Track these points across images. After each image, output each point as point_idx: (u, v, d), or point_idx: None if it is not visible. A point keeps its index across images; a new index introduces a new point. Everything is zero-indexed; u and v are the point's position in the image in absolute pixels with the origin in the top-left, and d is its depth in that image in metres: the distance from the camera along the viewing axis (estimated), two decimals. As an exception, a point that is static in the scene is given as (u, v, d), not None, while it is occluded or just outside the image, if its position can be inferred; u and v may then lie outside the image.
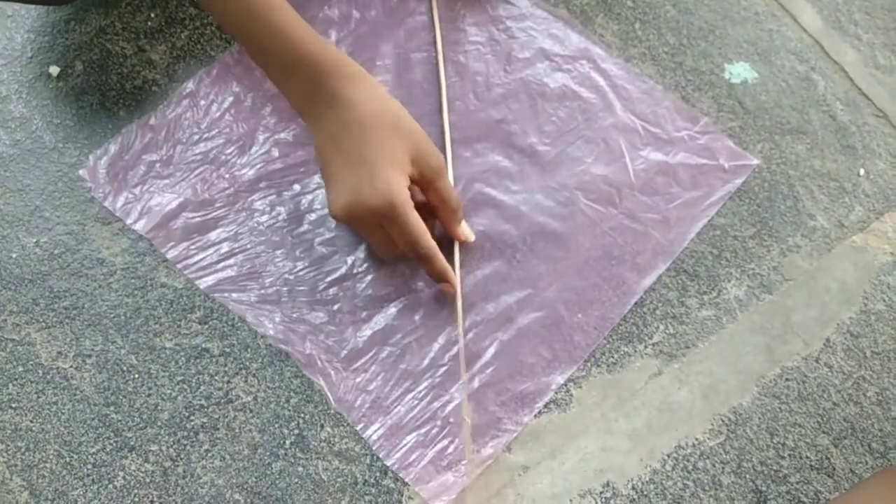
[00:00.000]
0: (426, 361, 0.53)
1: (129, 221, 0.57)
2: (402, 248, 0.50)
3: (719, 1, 0.66)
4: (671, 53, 0.64)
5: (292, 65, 0.48)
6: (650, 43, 0.64)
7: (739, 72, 0.64)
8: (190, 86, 0.61)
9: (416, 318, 0.55)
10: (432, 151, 0.50)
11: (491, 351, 0.54)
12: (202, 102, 0.61)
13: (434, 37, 0.64)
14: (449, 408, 0.52)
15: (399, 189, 0.48)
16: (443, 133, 0.60)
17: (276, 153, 0.59)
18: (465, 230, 0.55)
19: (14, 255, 0.56)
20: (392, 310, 0.55)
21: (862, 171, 0.61)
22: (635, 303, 0.55)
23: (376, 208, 0.47)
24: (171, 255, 0.56)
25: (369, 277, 0.56)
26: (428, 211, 0.53)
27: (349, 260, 0.56)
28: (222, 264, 0.56)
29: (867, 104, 0.63)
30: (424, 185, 0.51)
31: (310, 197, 0.58)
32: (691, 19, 0.65)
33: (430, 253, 0.50)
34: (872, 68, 0.64)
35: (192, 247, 0.56)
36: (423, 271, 0.54)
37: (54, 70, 0.62)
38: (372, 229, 0.50)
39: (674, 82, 0.63)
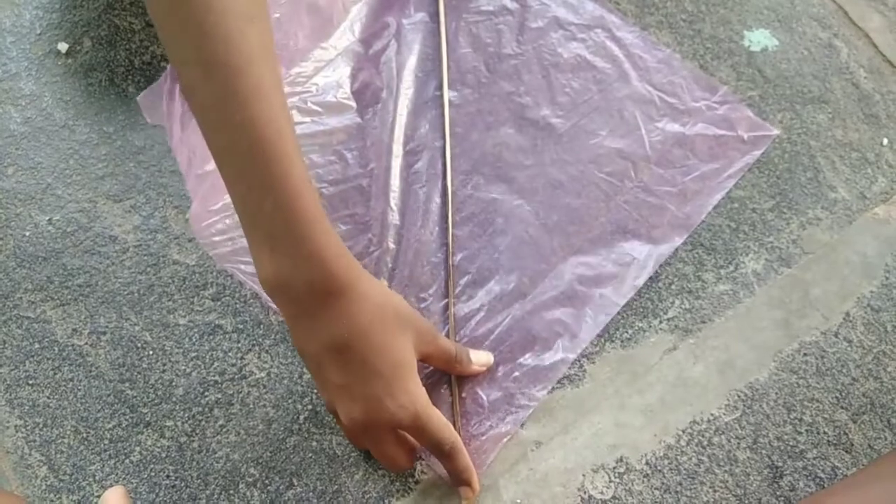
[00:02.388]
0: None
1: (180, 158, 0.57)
2: (426, 447, 0.46)
3: (739, -34, 0.64)
4: (689, 21, 0.62)
5: (279, 235, 0.39)
6: (667, 10, 0.63)
7: (759, 39, 0.62)
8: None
9: (424, 295, 0.54)
10: (427, 327, 0.47)
11: (504, 325, 0.53)
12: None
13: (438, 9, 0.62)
14: (462, 386, 0.52)
15: (419, 395, 0.44)
16: (448, 108, 0.59)
17: (297, 117, 0.58)
18: (482, 358, 0.51)
19: (27, 233, 0.56)
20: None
21: (885, 141, 0.59)
22: (650, 277, 0.54)
23: (399, 422, 0.43)
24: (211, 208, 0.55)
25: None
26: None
27: (364, 238, 0.56)
28: (239, 232, 0.55)
29: (892, 72, 0.61)
30: (424, 357, 0.47)
31: (321, 171, 0.57)
32: (710, -15, 0.63)
33: (455, 449, 0.45)
34: (898, 34, 0.62)
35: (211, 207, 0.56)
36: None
37: (63, 47, 0.61)
38: (387, 438, 0.45)
39: (692, 51, 0.61)
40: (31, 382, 0.52)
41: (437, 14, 0.62)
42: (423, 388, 0.45)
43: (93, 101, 0.60)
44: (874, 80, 0.61)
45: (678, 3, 0.63)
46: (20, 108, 0.59)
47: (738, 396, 0.51)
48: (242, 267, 0.54)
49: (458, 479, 0.47)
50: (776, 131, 0.59)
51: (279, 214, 0.39)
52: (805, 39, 0.62)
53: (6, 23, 0.62)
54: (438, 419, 0.45)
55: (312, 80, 0.60)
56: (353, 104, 0.59)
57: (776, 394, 0.52)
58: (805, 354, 0.53)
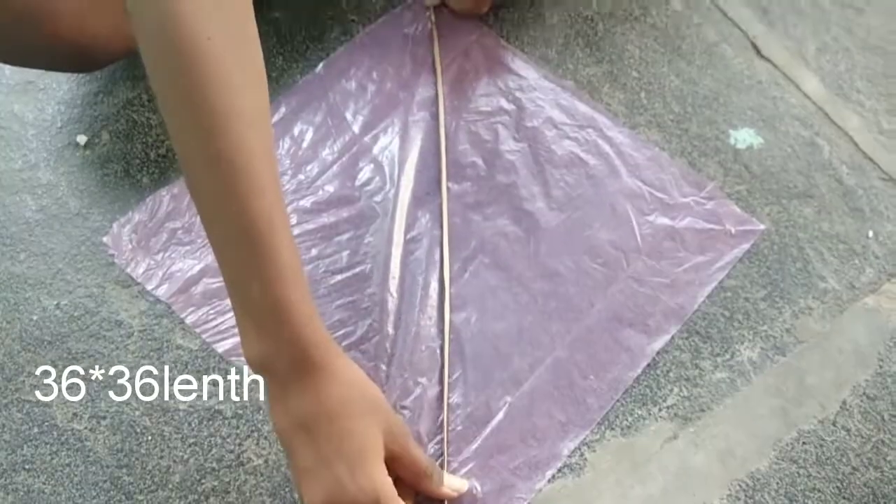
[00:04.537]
0: (435, 425, 0.53)
1: (150, 287, 0.58)
2: None
3: (722, 70, 0.68)
4: (676, 121, 0.66)
5: (265, 315, 0.42)
6: (655, 111, 0.66)
7: (745, 137, 0.65)
8: (211, 154, 0.63)
9: (423, 380, 0.55)
10: (400, 427, 0.48)
11: (501, 414, 0.54)
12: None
13: (437, 109, 0.66)
14: (458, 471, 0.52)
15: (383, 482, 0.44)
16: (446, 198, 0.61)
17: (294, 219, 0.61)
18: (454, 482, 0.51)
19: (35, 318, 0.57)
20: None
21: (871, 233, 0.61)
22: (648, 365, 0.55)
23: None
24: (190, 319, 0.57)
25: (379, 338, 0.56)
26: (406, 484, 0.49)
27: (364, 324, 0.57)
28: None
29: (873, 168, 0.64)
30: (393, 459, 0.47)
31: (327, 261, 0.59)
32: (696, 88, 0.67)
33: None
34: (877, 133, 0.66)
35: (212, 311, 0.57)
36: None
37: (82, 139, 0.64)
38: None
39: (680, 148, 0.64)
40: (27, 467, 0.52)
41: (437, 113, 0.66)
42: (389, 479, 0.45)
43: (107, 190, 0.62)
44: (856, 176, 0.64)
45: (665, 104, 0.66)
46: (36, 196, 0.62)
47: (740, 486, 0.51)
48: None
49: None
50: (762, 226, 0.61)
51: (264, 299, 0.41)
52: (788, 138, 0.65)
53: (29, 116, 0.65)
54: None
55: (319, 179, 0.63)
56: (357, 195, 0.62)
57: (777, 483, 0.51)
58: (804, 443, 0.53)
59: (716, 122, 0.66)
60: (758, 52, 0.69)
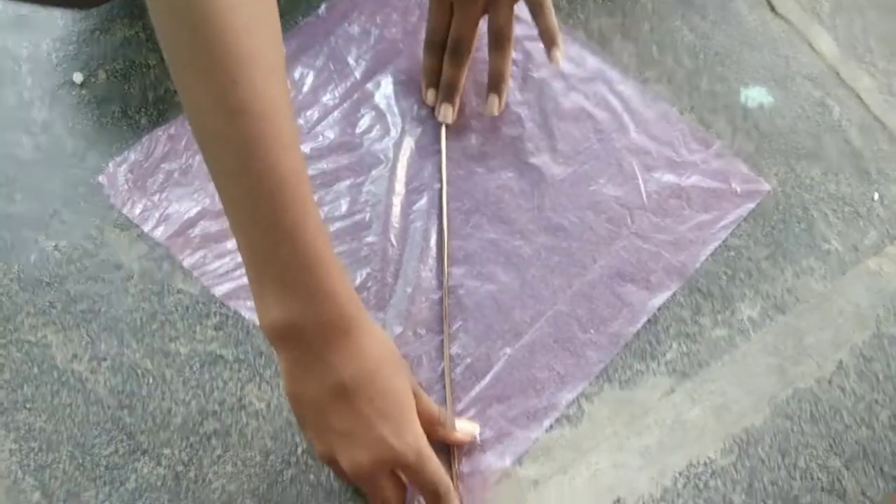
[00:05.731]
0: (435, 374, 0.54)
1: (146, 228, 0.57)
2: (421, 488, 0.46)
3: (736, 27, 0.67)
4: (687, 76, 0.65)
5: (289, 276, 0.40)
6: (667, 65, 0.65)
7: (755, 96, 0.64)
8: (212, 96, 0.62)
9: (422, 331, 0.55)
10: (414, 379, 0.48)
11: (500, 364, 0.54)
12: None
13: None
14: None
15: (421, 435, 0.44)
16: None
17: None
18: (466, 426, 0.51)
19: (32, 258, 0.56)
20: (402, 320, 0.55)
21: (876, 196, 0.61)
22: (649, 320, 0.55)
23: (405, 461, 0.43)
24: (187, 262, 0.56)
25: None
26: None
27: (363, 272, 0.56)
28: (238, 272, 0.56)
29: (882, 130, 0.64)
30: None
31: (326, 208, 0.58)
32: (708, 43, 0.66)
33: (449, 495, 0.46)
34: (888, 95, 0.65)
35: (210, 255, 0.57)
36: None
37: (78, 77, 0.63)
38: (387, 483, 0.45)
39: (689, 105, 0.64)
40: (28, 406, 0.52)
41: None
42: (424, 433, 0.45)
43: (104, 131, 0.61)
44: (865, 138, 0.63)
45: (677, 58, 0.65)
46: (32, 135, 0.60)
47: (734, 440, 0.52)
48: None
49: None
50: (768, 186, 0.61)
51: (296, 259, 0.39)
52: (799, 98, 0.64)
53: (23, 52, 0.64)
54: (437, 461, 0.45)
55: (319, 124, 0.61)
56: (358, 142, 0.61)
57: (771, 439, 0.52)
58: (799, 401, 0.54)
59: (727, 80, 0.65)
60: (772, 8, 0.68)
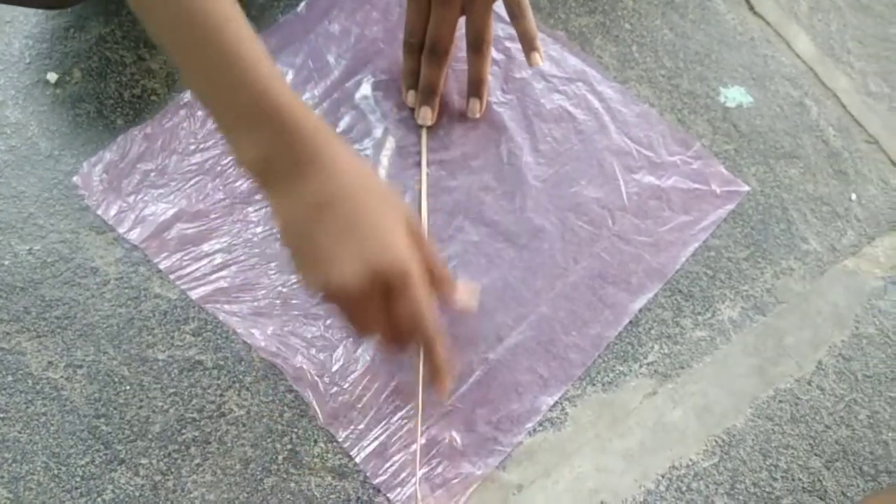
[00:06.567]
0: (418, 377, 0.53)
1: (122, 230, 0.56)
2: (403, 327, 0.44)
3: (715, 26, 0.67)
4: (667, 76, 0.65)
5: (253, 116, 0.41)
6: (647, 65, 0.65)
7: (734, 96, 0.64)
8: (188, 96, 0.61)
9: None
10: (416, 221, 0.47)
11: (483, 368, 0.54)
12: (199, 113, 0.61)
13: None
14: (436, 428, 0.52)
15: (411, 255, 0.42)
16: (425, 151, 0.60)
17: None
18: (469, 285, 0.51)
19: (6, 263, 0.55)
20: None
21: (854, 196, 0.62)
22: (630, 322, 0.55)
23: (389, 274, 0.41)
24: (164, 265, 0.55)
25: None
26: None
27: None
28: (216, 275, 0.55)
29: (859, 130, 0.64)
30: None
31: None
32: (688, 43, 0.66)
33: (434, 338, 0.44)
34: (864, 95, 0.65)
35: (186, 257, 0.56)
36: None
37: (52, 77, 0.61)
38: (368, 304, 0.43)
39: (670, 105, 0.64)
40: (1, 416, 0.51)
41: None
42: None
43: (80, 131, 0.59)
44: (842, 138, 0.64)
45: (657, 58, 0.65)
46: (5, 136, 0.59)
47: (716, 442, 0.52)
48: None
49: (431, 377, 0.47)
50: (747, 187, 0.61)
51: (255, 102, 0.41)
52: (778, 97, 0.65)
53: (-6, 52, 0.62)
54: (427, 297, 0.43)
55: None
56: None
57: (752, 440, 0.52)
58: (780, 401, 0.54)
59: (707, 79, 0.65)
60: (751, 7, 0.68)
